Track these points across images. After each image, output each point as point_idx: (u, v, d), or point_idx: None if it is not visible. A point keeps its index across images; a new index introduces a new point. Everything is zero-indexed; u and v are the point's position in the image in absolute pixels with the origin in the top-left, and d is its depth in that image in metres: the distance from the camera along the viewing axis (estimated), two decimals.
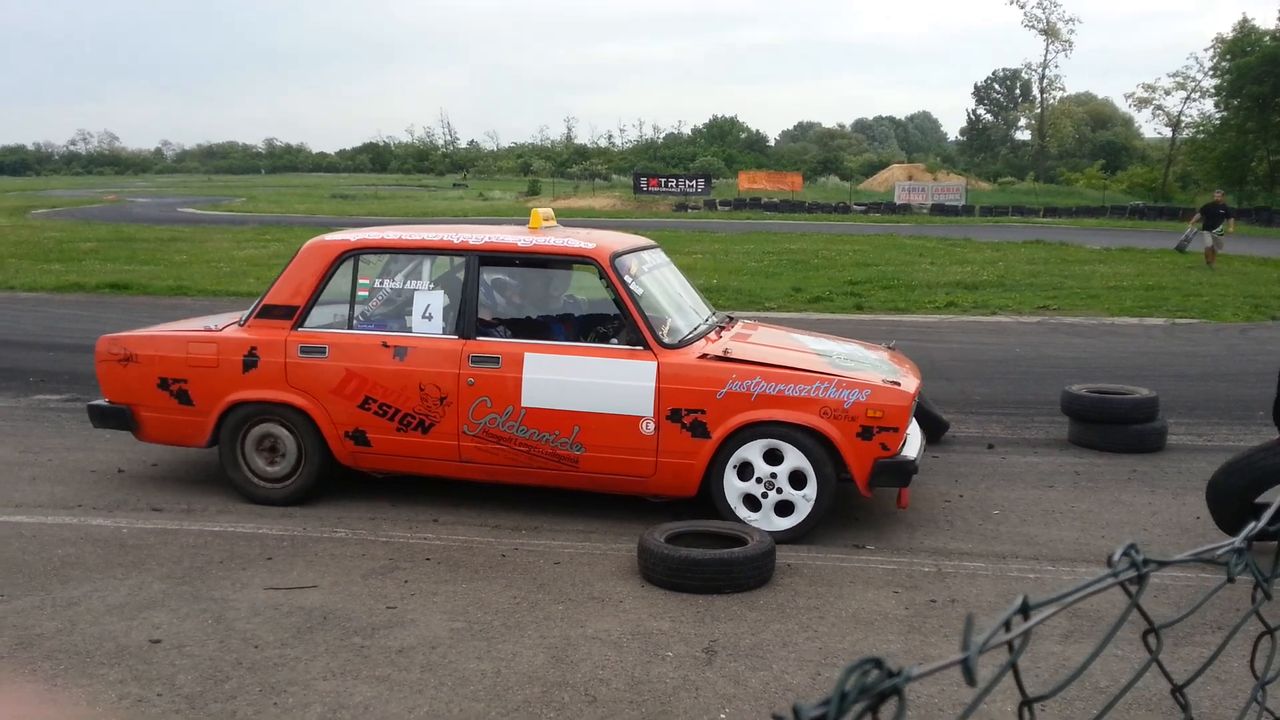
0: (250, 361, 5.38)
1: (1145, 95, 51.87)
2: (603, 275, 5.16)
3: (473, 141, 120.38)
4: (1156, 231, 30.74)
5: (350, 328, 5.40)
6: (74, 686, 3.37)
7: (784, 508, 4.94)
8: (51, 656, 3.60)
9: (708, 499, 5.04)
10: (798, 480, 4.91)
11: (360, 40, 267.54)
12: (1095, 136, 69.31)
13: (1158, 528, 5.23)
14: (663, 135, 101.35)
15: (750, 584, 4.28)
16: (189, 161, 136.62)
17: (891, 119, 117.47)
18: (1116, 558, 1.11)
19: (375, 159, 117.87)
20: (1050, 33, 58.81)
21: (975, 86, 76.08)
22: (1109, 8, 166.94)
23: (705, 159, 74.23)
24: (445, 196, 57.46)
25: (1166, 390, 7.44)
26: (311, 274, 5.44)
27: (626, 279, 5.16)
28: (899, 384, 5.00)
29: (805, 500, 4.90)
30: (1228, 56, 43.51)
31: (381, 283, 5.51)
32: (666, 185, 49.47)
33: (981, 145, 74.72)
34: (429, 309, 5.30)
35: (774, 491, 4.93)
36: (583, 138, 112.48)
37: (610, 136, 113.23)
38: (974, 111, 75.92)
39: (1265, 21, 60.20)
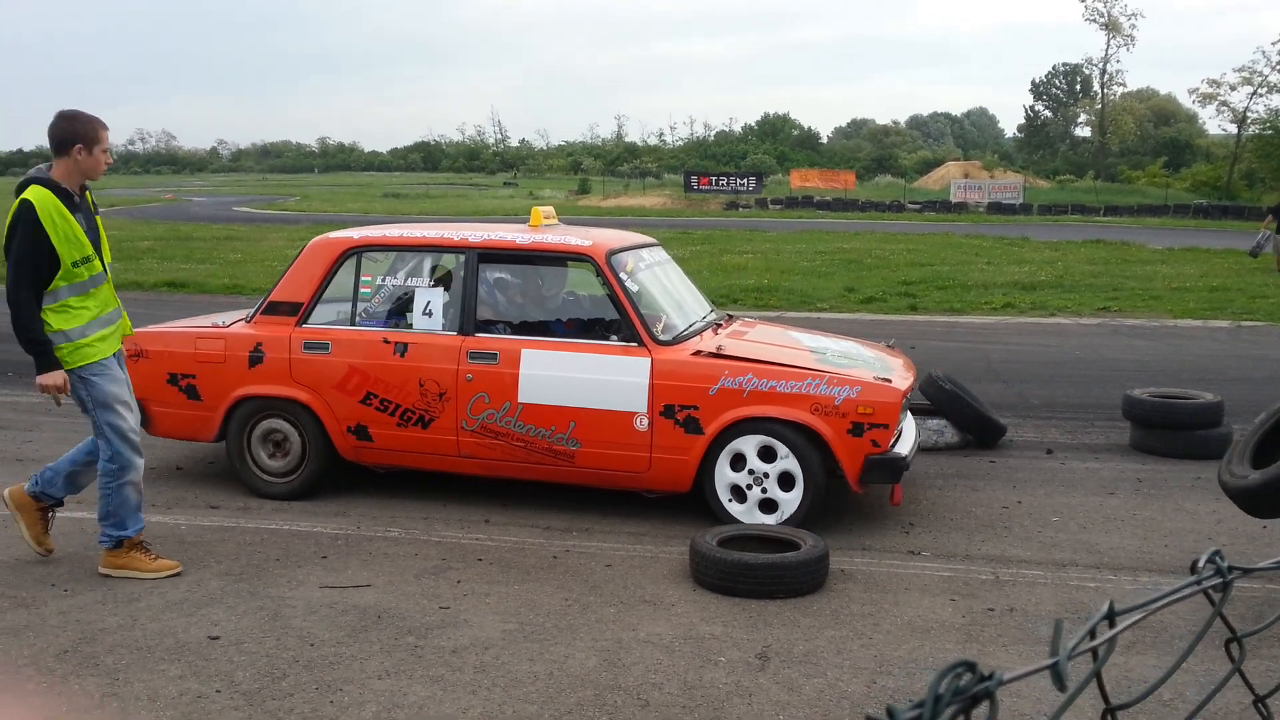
0: (256, 357, 5.48)
1: (1210, 91, 50.77)
2: (599, 272, 5.24)
3: (523, 140, 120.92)
4: (1221, 231, 30.07)
5: (353, 324, 5.50)
6: (135, 681, 3.43)
7: (769, 504, 5.00)
8: (114, 651, 3.66)
9: (701, 495, 5.10)
10: (786, 481, 4.96)
11: (413, 41, 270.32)
12: (1158, 133, 67.83)
13: (1223, 536, 5.10)
14: (714, 133, 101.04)
15: (803, 589, 4.24)
16: (244, 160, 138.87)
17: (947, 115, 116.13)
18: (1201, 564, 1.08)
19: (427, 158, 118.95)
20: (1112, 27, 57.74)
21: (1033, 82, 74.82)
22: (1172, 1, 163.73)
23: (757, 157, 73.88)
24: (496, 195, 57.81)
25: (1231, 395, 7.25)
26: (315, 272, 5.55)
27: (622, 276, 5.23)
28: (890, 381, 5.05)
29: (791, 501, 4.95)
30: None
31: (383, 280, 5.64)
32: (717, 184, 49.30)
33: (1040, 142, 73.53)
34: (429, 306, 5.39)
35: (759, 489, 4.99)
36: (633, 136, 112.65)
37: (661, 134, 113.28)
38: (1032, 108, 74.74)
39: None
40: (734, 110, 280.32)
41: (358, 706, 3.28)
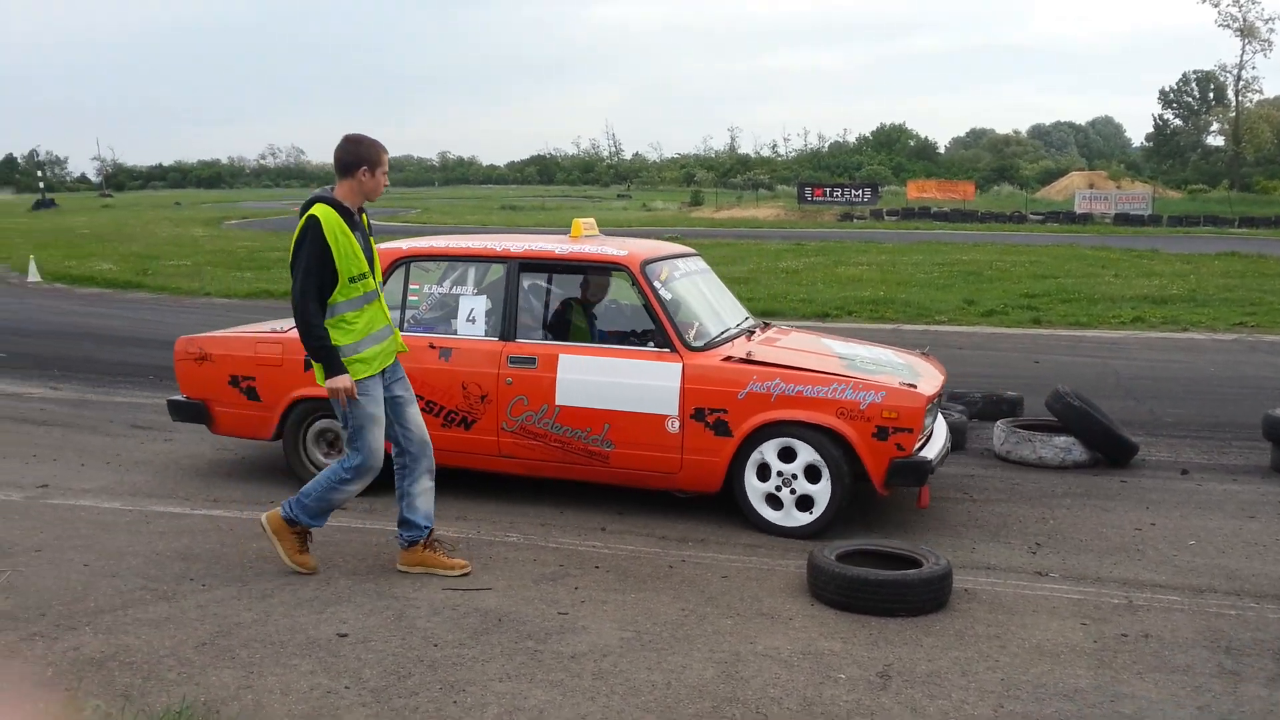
0: (310, 361, 5.61)
1: None
2: (633, 281, 5.43)
3: (636, 153, 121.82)
4: None
5: (401, 330, 5.59)
6: (269, 675, 3.55)
7: (804, 503, 5.11)
8: (248, 645, 3.80)
9: (730, 495, 5.25)
10: (813, 476, 5.09)
11: (529, 57, 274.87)
12: None
13: None
14: (828, 144, 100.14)
15: (926, 608, 4.15)
16: None
17: (1071, 124, 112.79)
18: None
19: (542, 171, 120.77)
20: (1247, 32, 55.34)
21: (1163, 90, 72.06)
22: None
23: (872, 168, 72.95)
24: (609, 207, 58.32)
25: None
26: None
27: (656, 285, 5.41)
28: (915, 386, 5.12)
29: (819, 503, 5.08)
30: None
31: (431, 288, 5.91)
32: (831, 194, 48.82)
33: (1169, 151, 70.65)
34: (473, 313, 5.65)
35: (788, 491, 5.12)
36: (746, 147, 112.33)
37: (774, 146, 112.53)
38: (1161, 116, 71.91)
39: None
40: (848, 121, 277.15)
41: (480, 708, 3.34)
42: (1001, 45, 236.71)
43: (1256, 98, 60.32)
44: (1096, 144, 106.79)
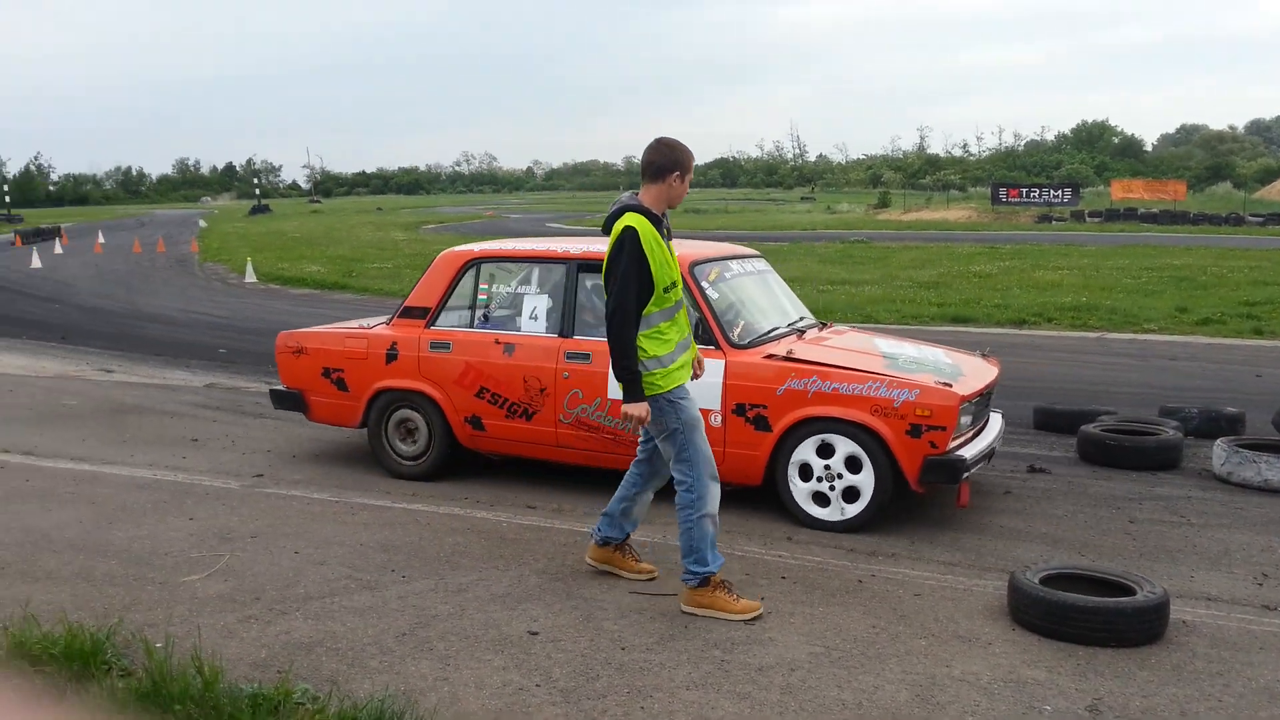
0: (391, 355, 6.23)
1: None
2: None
3: (821, 155, 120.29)
4: None
5: (471, 326, 6.14)
6: (464, 668, 3.65)
7: (850, 496, 5.22)
8: (445, 638, 3.92)
9: (771, 489, 5.43)
10: (854, 467, 5.20)
11: (714, 61, 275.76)
12: None
13: None
14: (1024, 143, 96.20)
15: (1139, 639, 3.87)
16: (556, 179, 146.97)
17: None
18: None
19: (725, 174, 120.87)
20: None
21: None
22: None
23: (1072, 167, 69.58)
24: (793, 210, 57.79)
25: None
26: (441, 280, 6.30)
27: (703, 284, 5.62)
28: (951, 385, 5.15)
29: (867, 483, 5.16)
30: None
31: (498, 287, 6.26)
32: (1028, 195, 46.88)
33: None
34: (535, 310, 5.98)
35: (829, 485, 5.24)
36: (936, 147, 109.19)
37: (965, 145, 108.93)
38: None
39: None
40: (1046, 118, 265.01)
41: (668, 715, 3.32)
42: (1215, 35, 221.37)
43: None
44: None
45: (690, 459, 4.18)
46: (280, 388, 6.79)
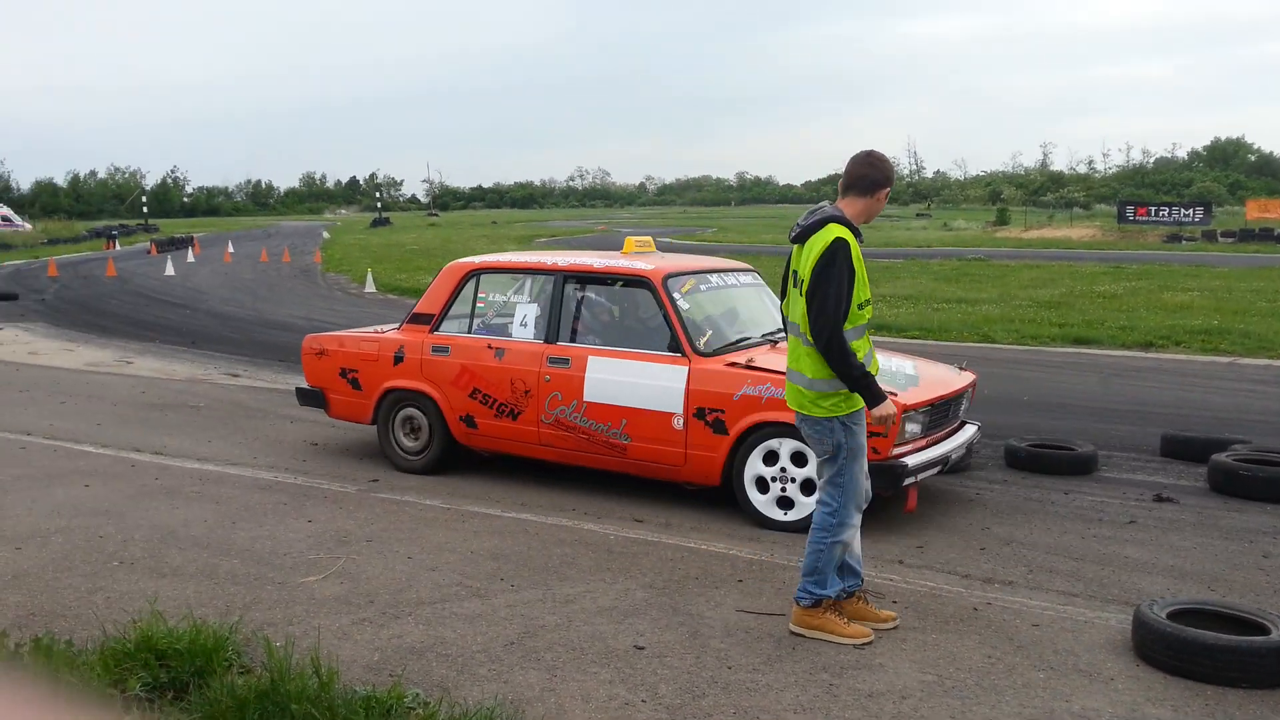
0: (399, 357, 6.74)
1: None
2: (654, 292, 6.01)
3: (939, 170, 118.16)
4: None
5: (469, 332, 6.60)
6: (571, 680, 3.66)
7: (808, 489, 5.38)
8: (552, 649, 3.94)
9: (729, 491, 5.68)
10: (799, 463, 5.44)
11: (829, 75, 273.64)
12: None
13: None
14: (1152, 160, 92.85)
15: (1273, 680, 3.66)
16: (668, 194, 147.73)
17: None
18: None
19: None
20: None
21: None
22: None
23: (1204, 185, 66.85)
24: (908, 226, 56.84)
25: None
26: (445, 289, 6.77)
27: (675, 296, 5.96)
28: (896, 395, 5.18)
29: (808, 501, 5.35)
30: None
31: (495, 296, 6.74)
32: (1156, 214, 45.19)
33: None
34: (525, 318, 6.40)
35: (782, 486, 5.49)
36: (1059, 164, 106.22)
37: (1090, 162, 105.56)
38: None
39: None
40: (1177, 135, 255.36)
41: None
42: None
43: None
44: None
45: (844, 485, 4.08)
46: (304, 386, 7.30)
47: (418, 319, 6.83)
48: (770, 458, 5.50)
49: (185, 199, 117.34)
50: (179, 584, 4.63)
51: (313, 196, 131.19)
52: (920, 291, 18.90)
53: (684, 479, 5.87)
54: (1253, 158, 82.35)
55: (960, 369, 6.32)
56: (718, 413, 5.61)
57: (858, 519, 4.14)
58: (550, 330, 6.25)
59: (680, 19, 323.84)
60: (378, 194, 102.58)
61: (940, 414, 5.76)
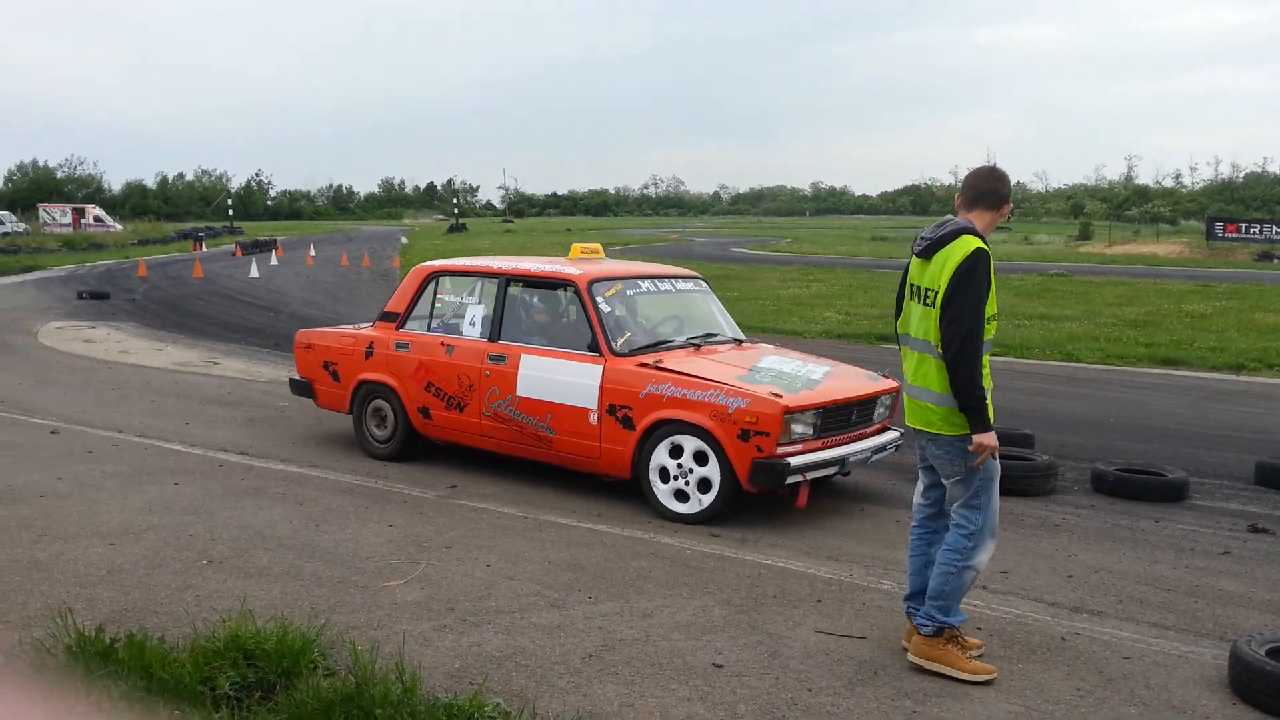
0: (369, 352, 7.37)
1: None
2: (577, 294, 6.49)
3: (1019, 182, 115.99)
4: None
5: (428, 330, 7.19)
6: (649, 696, 3.65)
7: (705, 486, 5.81)
8: (630, 663, 3.93)
9: (638, 484, 6.06)
10: (701, 461, 5.80)
11: (910, 85, 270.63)
12: None
13: None
14: (1243, 174, 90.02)
15: None
16: (741, 204, 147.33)
17: None
18: None
19: (915, 201, 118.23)
20: None
21: None
22: None
23: None
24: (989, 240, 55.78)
25: None
26: (409, 290, 7.41)
27: (598, 299, 6.40)
28: (781, 397, 5.64)
29: (714, 473, 5.73)
30: None
31: (450, 297, 7.30)
32: (1247, 231, 43.77)
33: None
34: (474, 318, 6.96)
35: (684, 480, 5.85)
36: (1144, 177, 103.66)
37: (1178, 176, 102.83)
38: None
39: None
40: (1271, 149, 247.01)
41: None
42: None
43: None
44: None
45: (980, 508, 3.96)
46: (295, 378, 8.04)
47: (387, 317, 7.47)
48: (676, 451, 5.86)
49: (269, 202, 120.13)
50: (265, 584, 4.72)
51: (391, 202, 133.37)
52: (1000, 307, 18.46)
53: (600, 471, 6.31)
54: None
55: (882, 376, 6.54)
56: (626, 409, 6.03)
57: (992, 546, 4.01)
58: (493, 330, 6.79)
59: (755, 28, 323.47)
60: (455, 200, 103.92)
61: (837, 418, 5.97)
